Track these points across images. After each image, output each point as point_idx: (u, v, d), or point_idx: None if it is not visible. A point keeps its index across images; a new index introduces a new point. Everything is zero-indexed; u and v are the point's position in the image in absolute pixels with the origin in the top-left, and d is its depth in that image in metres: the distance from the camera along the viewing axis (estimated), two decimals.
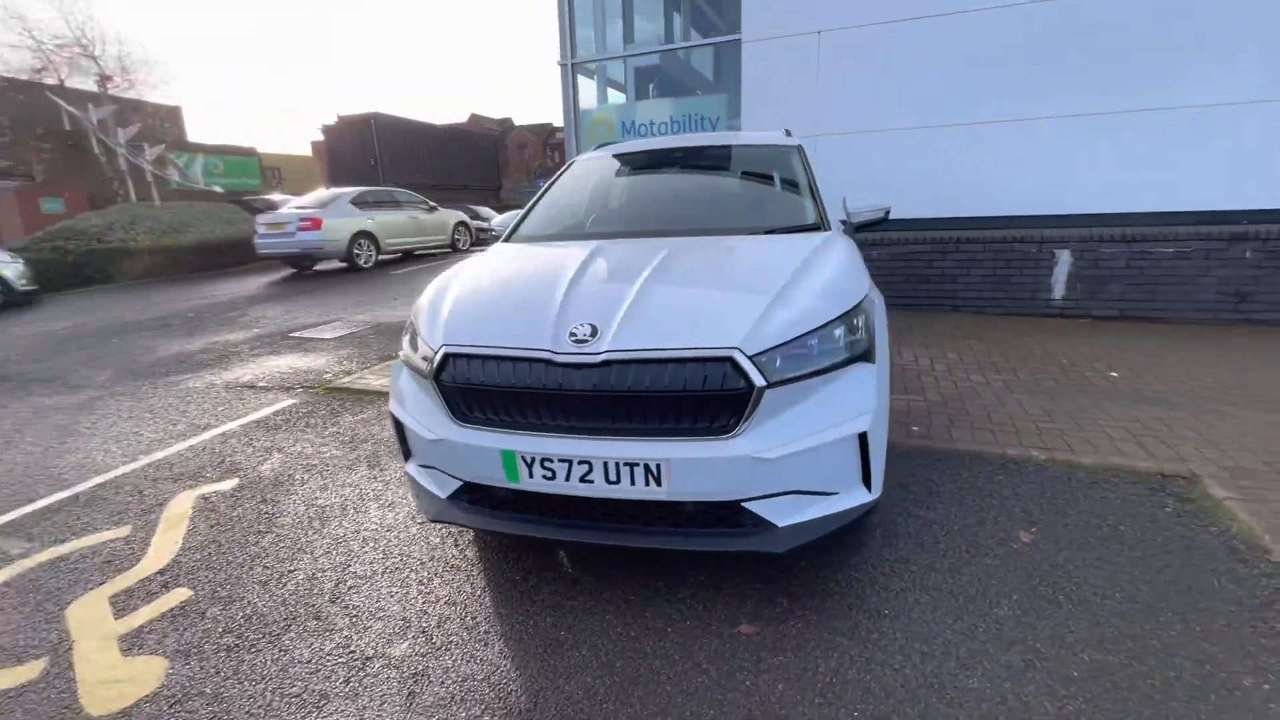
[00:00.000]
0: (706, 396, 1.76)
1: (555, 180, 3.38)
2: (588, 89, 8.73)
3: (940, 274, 6.13)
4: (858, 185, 6.30)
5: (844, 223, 2.97)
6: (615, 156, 3.49)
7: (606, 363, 1.79)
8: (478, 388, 1.91)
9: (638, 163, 3.43)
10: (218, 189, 16.32)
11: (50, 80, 14.46)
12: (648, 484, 1.80)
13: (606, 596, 2.10)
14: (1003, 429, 3.21)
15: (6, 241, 12.01)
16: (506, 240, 2.96)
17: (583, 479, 1.84)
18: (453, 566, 2.32)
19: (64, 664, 1.94)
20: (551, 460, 1.85)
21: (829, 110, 6.46)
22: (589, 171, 3.42)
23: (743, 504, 1.83)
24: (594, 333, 1.84)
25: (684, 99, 8.13)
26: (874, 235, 6.22)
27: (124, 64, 15.58)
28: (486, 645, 1.91)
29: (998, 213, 6.04)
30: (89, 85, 14.95)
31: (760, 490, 1.81)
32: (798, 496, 1.86)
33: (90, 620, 2.14)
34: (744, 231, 2.62)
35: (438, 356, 1.98)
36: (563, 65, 8.25)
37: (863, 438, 1.86)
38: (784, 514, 1.85)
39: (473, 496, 2.07)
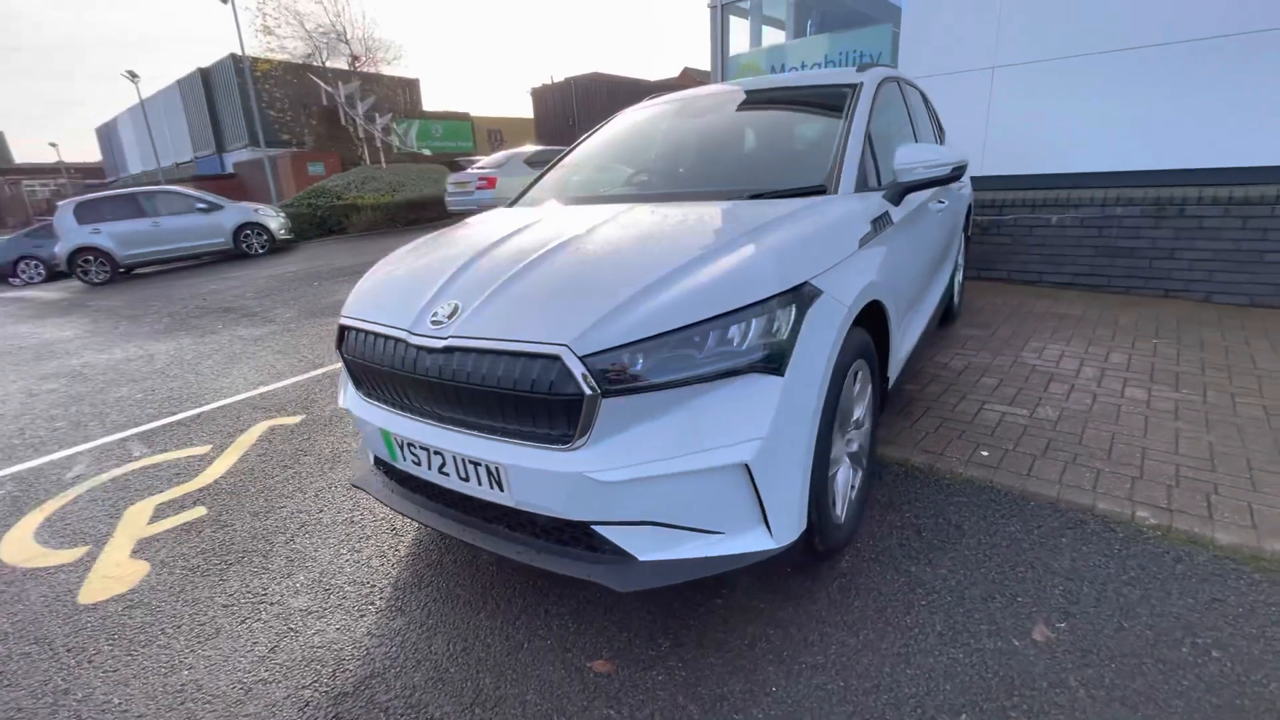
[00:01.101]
0: (540, 400, 1.49)
1: (585, 137, 3.14)
2: (740, 30, 8.04)
3: (1150, 246, 4.63)
4: (1038, 126, 5.01)
5: (885, 187, 2.30)
6: (657, 106, 3.13)
7: (450, 349, 1.61)
8: (361, 363, 1.87)
9: (669, 115, 3.03)
10: (426, 152, 18.80)
11: (315, 63, 17.80)
12: (492, 487, 1.62)
13: (496, 594, 1.98)
14: (1117, 472, 2.33)
15: (284, 198, 15.21)
16: (510, 205, 2.85)
17: (440, 470, 1.72)
18: (393, 531, 2.38)
19: (95, 554, 2.40)
20: (415, 446, 1.75)
21: (1006, 32, 5.12)
22: (620, 125, 3.12)
23: (593, 526, 1.56)
24: (454, 314, 1.67)
25: (840, 34, 7.07)
26: (1050, 194, 4.89)
27: (367, 45, 18.54)
28: (362, 618, 1.93)
29: (1253, 163, 4.31)
30: (342, 65, 18.07)
31: (611, 515, 1.52)
32: (665, 529, 1.53)
33: (133, 522, 2.62)
34: (727, 195, 2.17)
35: (338, 327, 1.98)
36: (712, 7, 7.69)
37: (749, 470, 1.45)
38: (646, 547, 1.54)
39: (384, 469, 2.07)
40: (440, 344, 1.62)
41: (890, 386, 2.34)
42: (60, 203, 10.92)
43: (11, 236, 13.84)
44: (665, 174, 2.65)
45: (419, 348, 1.67)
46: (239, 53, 16.41)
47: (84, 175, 43.82)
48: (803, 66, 7.25)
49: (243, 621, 1.96)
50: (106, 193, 11.52)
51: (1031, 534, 2.03)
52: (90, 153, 41.47)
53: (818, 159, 2.24)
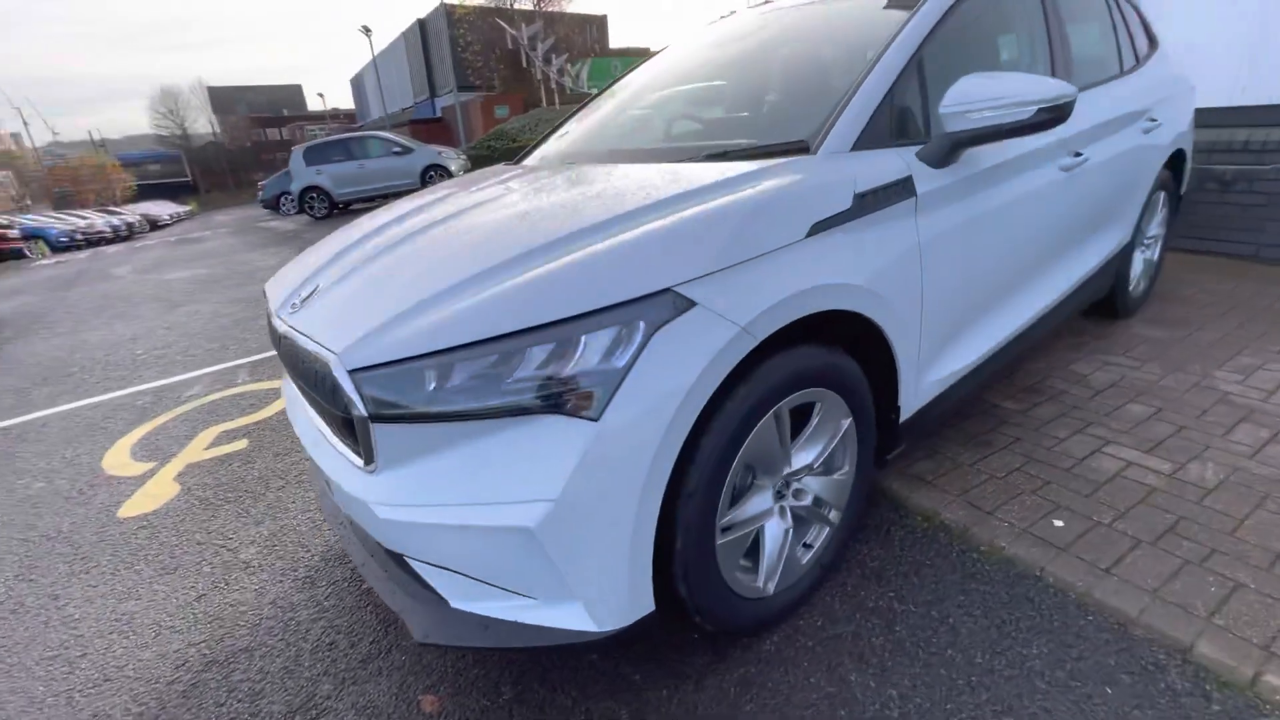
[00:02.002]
0: (336, 410, 1.29)
1: (629, 71, 2.70)
2: None
3: None
4: None
5: (918, 143, 1.60)
6: (705, 34, 2.57)
7: (284, 335, 1.47)
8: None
9: (704, 46, 2.46)
10: (593, 91, 18.72)
11: (505, 6, 18.57)
12: (330, 490, 1.48)
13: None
14: (1263, 597, 1.49)
15: (472, 141, 16.45)
16: (515, 162, 2.57)
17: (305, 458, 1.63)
18: None
19: (154, 472, 2.80)
20: (294, 426, 1.68)
21: None
22: (650, 63, 2.63)
23: (406, 558, 1.35)
24: (308, 298, 1.51)
25: None
26: None
27: None
28: (279, 584, 1.97)
29: None
30: (528, 6, 18.61)
31: (409, 551, 1.30)
32: (469, 580, 1.26)
33: (196, 446, 3.00)
34: (689, 155, 1.67)
35: None
36: None
37: (538, 537, 1.11)
38: (458, 593, 1.29)
39: None
40: (281, 328, 1.49)
41: (906, 420, 1.72)
42: (294, 148, 12.99)
43: (275, 176, 16.90)
44: (646, 125, 2.17)
45: (275, 331, 1.56)
46: (447, 1, 17.75)
47: (343, 120, 52.07)
48: None
49: (199, 563, 2.12)
50: (325, 138, 13.43)
51: (1062, 670, 1.38)
52: (348, 100, 48.97)
53: (820, 103, 1.62)
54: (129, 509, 2.51)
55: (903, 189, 1.50)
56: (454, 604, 1.28)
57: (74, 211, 25.97)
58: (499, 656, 1.58)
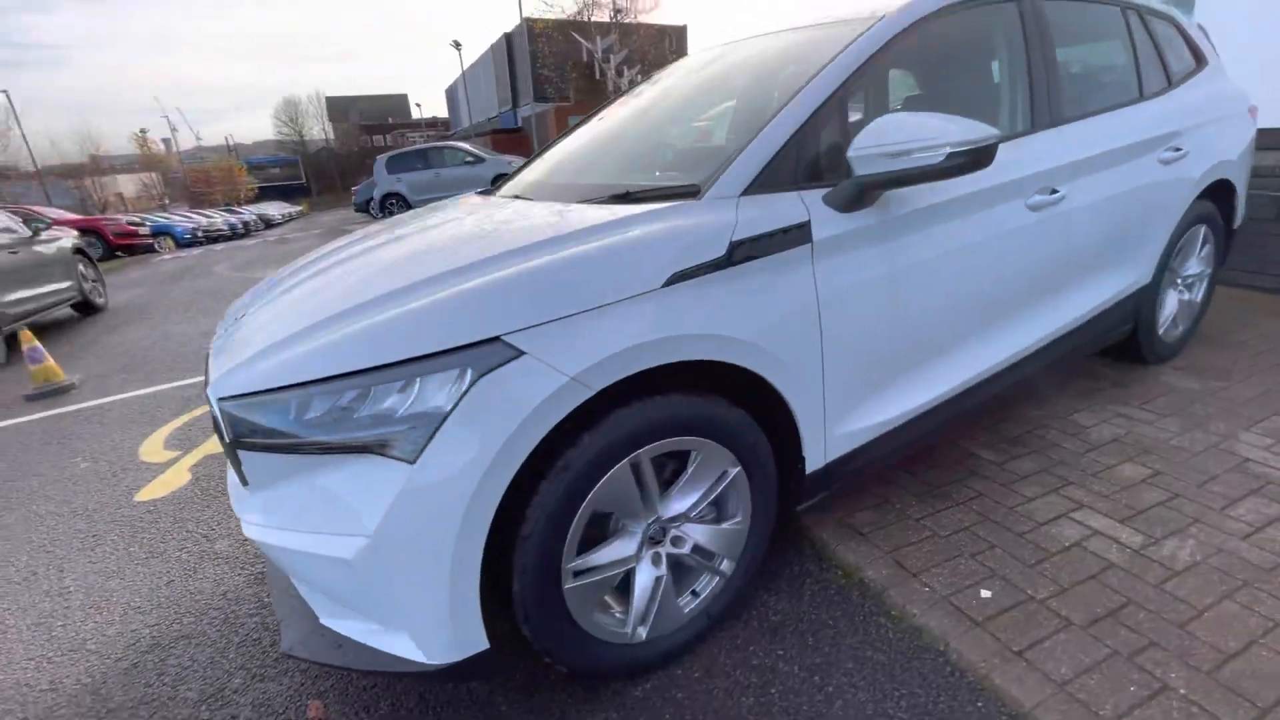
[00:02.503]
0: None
1: (607, 104, 2.75)
2: None
3: None
4: None
5: (832, 186, 1.53)
6: (678, 66, 2.56)
7: (208, 354, 1.61)
8: None
9: (672, 75, 2.44)
10: None
11: (583, 19, 19.04)
12: None
13: None
14: (1192, 699, 1.31)
15: None
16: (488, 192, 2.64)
17: None
18: None
19: (176, 461, 3.10)
20: None
21: None
22: (634, 92, 2.64)
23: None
24: (235, 324, 1.65)
25: None
26: None
27: None
28: (235, 575, 2.14)
29: None
30: (604, 18, 18.97)
31: (282, 567, 1.39)
32: (331, 599, 1.34)
33: (215, 439, 3.30)
34: (599, 196, 1.68)
35: None
36: None
37: (357, 569, 1.17)
38: (325, 610, 1.38)
39: None
40: (207, 349, 1.63)
41: (818, 469, 1.65)
42: (378, 157, 13.91)
43: (366, 182, 18.15)
44: (591, 160, 2.18)
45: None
46: (528, 16, 18.45)
47: (439, 129, 55.16)
48: None
49: (179, 550, 2.34)
50: (406, 149, 14.29)
51: None
52: (445, 110, 51.84)
53: (730, 145, 1.59)
54: (144, 494, 2.80)
55: (796, 235, 1.45)
56: (322, 619, 1.36)
57: (201, 210, 28.99)
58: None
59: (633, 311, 1.26)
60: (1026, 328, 2.04)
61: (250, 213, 28.49)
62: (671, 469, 1.48)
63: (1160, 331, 2.72)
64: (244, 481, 1.34)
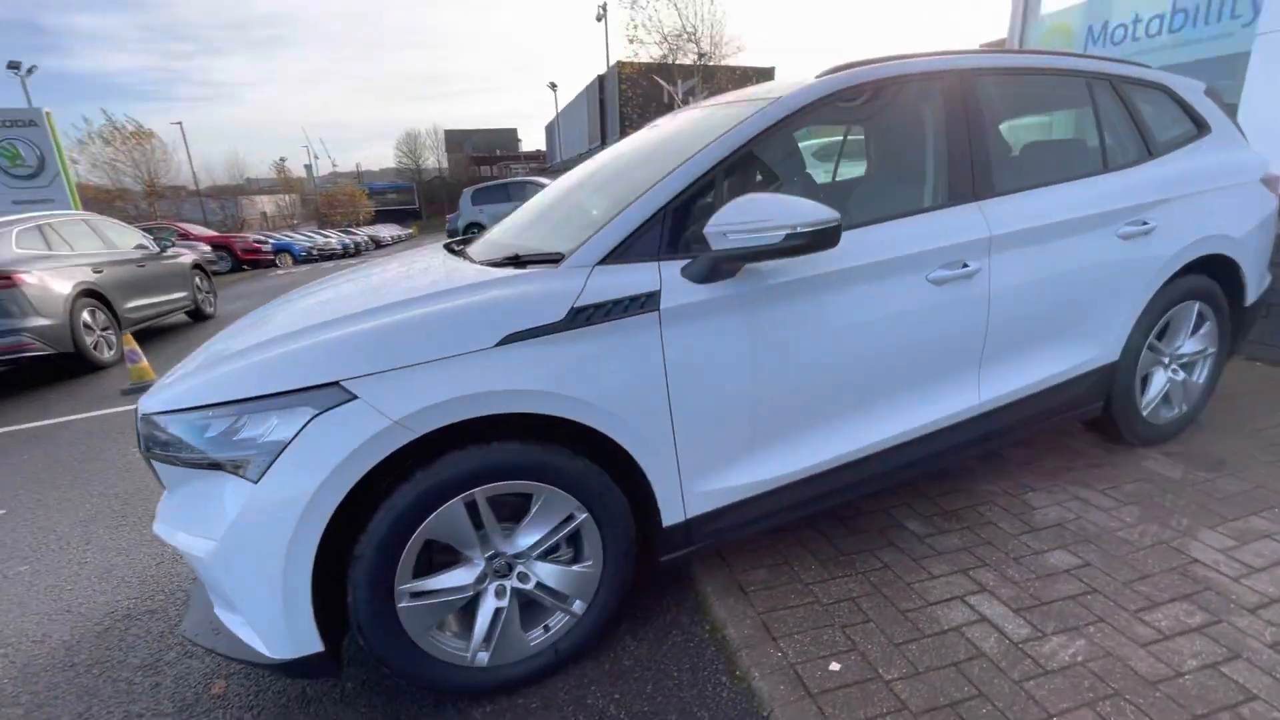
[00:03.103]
0: None
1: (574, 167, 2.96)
2: None
3: None
4: None
5: (692, 259, 1.63)
6: (646, 128, 2.73)
7: None
8: None
9: (629, 141, 2.60)
10: None
11: (668, 62, 19.73)
12: None
13: None
14: None
15: None
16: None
17: None
18: None
19: None
20: None
21: None
22: (591, 159, 2.82)
23: None
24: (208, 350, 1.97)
25: None
26: None
27: (714, 41, 19.53)
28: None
29: None
30: (689, 61, 19.55)
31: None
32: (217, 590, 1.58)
33: None
34: (496, 257, 1.86)
35: None
36: None
37: (207, 570, 1.41)
38: (217, 600, 1.62)
39: None
40: None
41: (677, 524, 1.72)
42: (465, 189, 15.00)
43: (456, 213, 19.54)
44: (529, 222, 2.37)
45: None
46: (612, 61, 19.38)
47: (540, 161, 58.39)
48: (1136, 23, 5.00)
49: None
50: (490, 182, 15.32)
51: None
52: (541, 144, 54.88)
53: (606, 216, 1.74)
54: None
55: (644, 303, 1.57)
56: (215, 610, 1.61)
57: (321, 230, 32.23)
58: None
59: (462, 366, 1.43)
60: (935, 402, 2.01)
61: (363, 234, 31.33)
62: (522, 509, 1.61)
63: (1145, 412, 2.53)
64: (162, 485, 1.62)
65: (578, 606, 1.70)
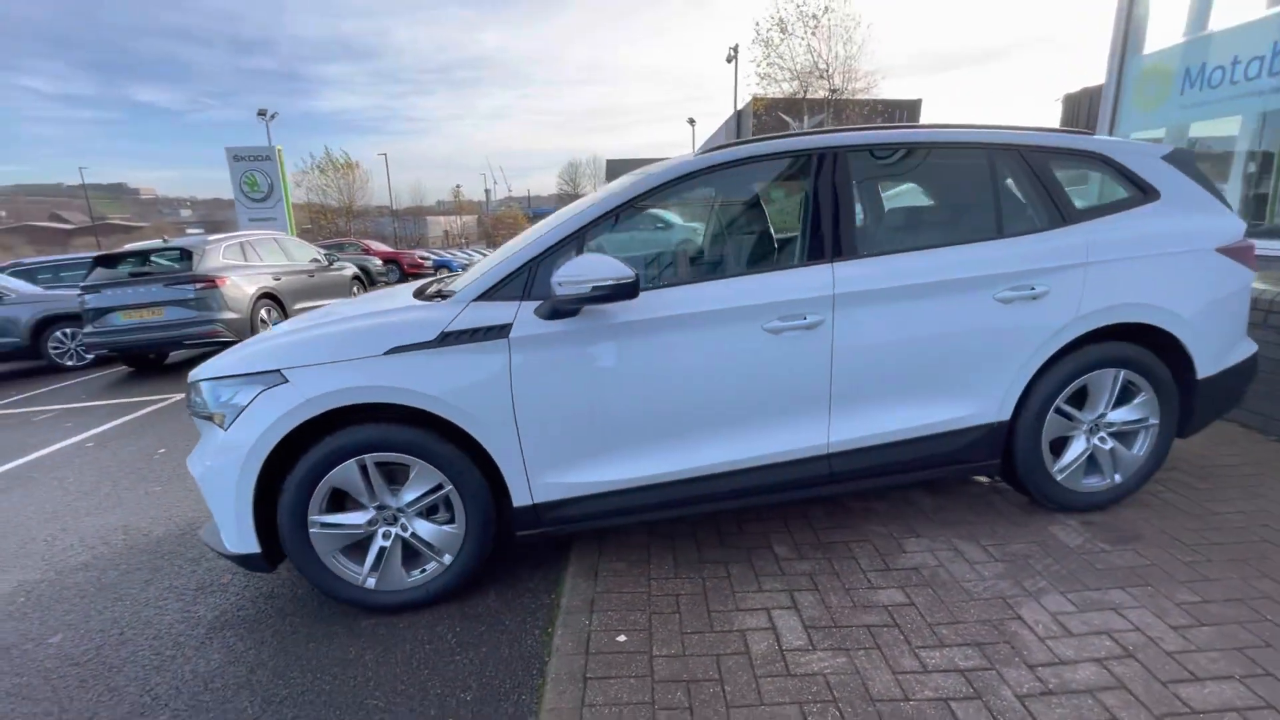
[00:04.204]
0: None
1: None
2: (1173, 8, 5.41)
3: None
4: None
5: (544, 301, 2.11)
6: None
7: None
8: None
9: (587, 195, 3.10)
10: None
11: (798, 96, 19.72)
12: None
13: None
14: None
15: None
16: None
17: None
18: None
19: None
20: None
21: None
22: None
23: None
24: None
25: None
26: None
27: (847, 77, 19.17)
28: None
29: None
30: (820, 95, 19.43)
31: None
32: None
33: None
34: (435, 293, 2.48)
35: None
36: None
37: (197, 480, 2.15)
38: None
39: None
40: None
41: (526, 506, 2.20)
42: None
43: None
44: (474, 267, 2.93)
45: None
46: (741, 98, 19.98)
47: None
48: (1234, 64, 4.53)
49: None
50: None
51: None
52: None
53: (501, 264, 2.27)
54: None
55: (496, 331, 2.08)
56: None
57: (484, 249, 36.15)
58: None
59: (358, 367, 2.05)
60: (777, 437, 2.27)
61: None
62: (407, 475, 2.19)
63: (1059, 477, 2.51)
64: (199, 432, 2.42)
65: (446, 559, 2.23)
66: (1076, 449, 2.52)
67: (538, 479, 2.18)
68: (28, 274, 10.37)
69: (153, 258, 7.37)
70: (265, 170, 18.20)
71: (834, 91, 19.26)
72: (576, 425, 2.17)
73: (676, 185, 2.30)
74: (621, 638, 2.01)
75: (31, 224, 72.46)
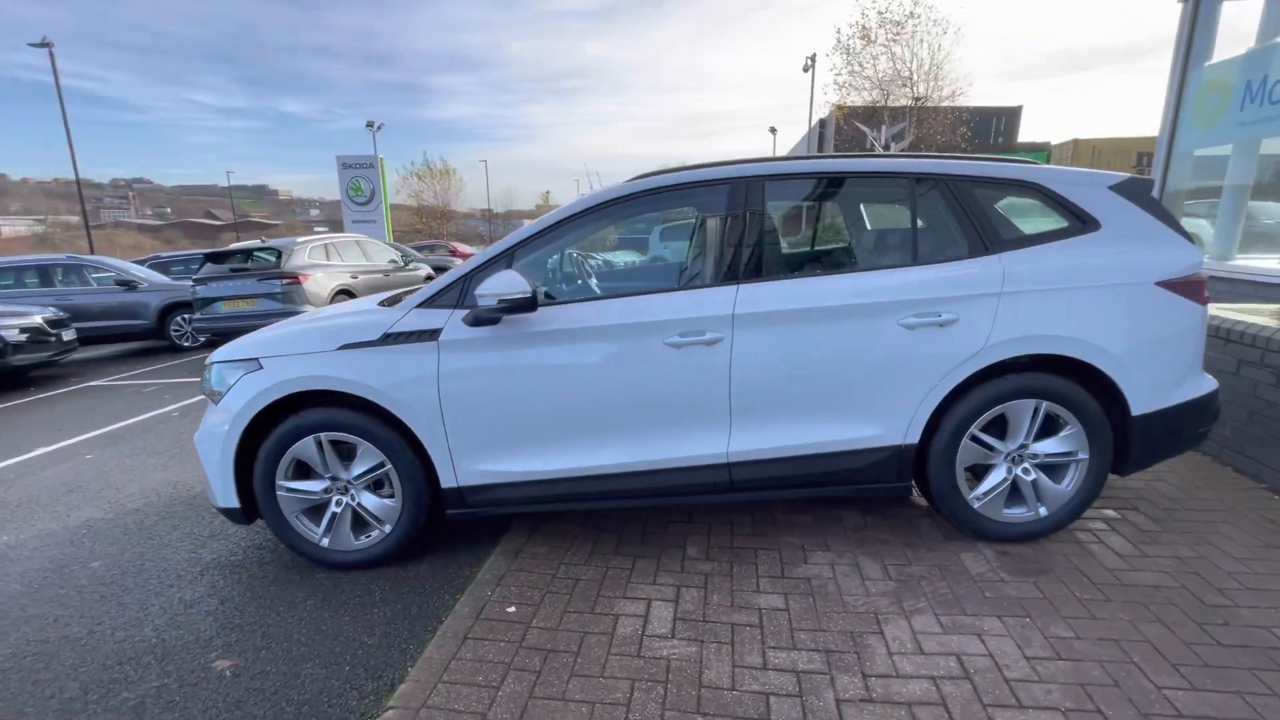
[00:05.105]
0: None
1: None
2: (1241, 17, 4.95)
3: None
4: None
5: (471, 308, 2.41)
6: None
7: None
8: None
9: None
10: None
11: (879, 104, 18.95)
12: None
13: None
14: None
15: None
16: None
17: None
18: None
19: None
20: None
21: None
22: None
23: None
24: None
25: None
26: None
27: (931, 84, 18.19)
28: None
29: None
30: (904, 103, 18.59)
31: None
32: None
33: None
34: (392, 298, 2.86)
35: None
36: None
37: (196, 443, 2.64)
38: None
39: None
40: None
41: (452, 488, 2.51)
42: (656, 227, 16.60)
43: None
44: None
45: None
46: (817, 108, 19.66)
47: None
48: None
49: None
50: (677, 222, 16.67)
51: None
52: None
53: (442, 277, 2.61)
54: None
55: (429, 335, 2.42)
56: None
57: None
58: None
59: (315, 359, 2.45)
60: (679, 444, 2.45)
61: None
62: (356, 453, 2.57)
63: (977, 505, 2.52)
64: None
65: (387, 529, 2.59)
66: (995, 478, 2.52)
67: (462, 465, 2.50)
68: (162, 266, 12.10)
69: (252, 255, 8.44)
70: (368, 176, 19.98)
71: (917, 100, 18.47)
72: (495, 420, 2.46)
73: (602, 210, 2.54)
74: (511, 609, 2.28)
75: (189, 220, 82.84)
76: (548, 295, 2.78)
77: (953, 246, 2.47)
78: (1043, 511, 2.53)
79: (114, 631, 2.34)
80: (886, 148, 16.62)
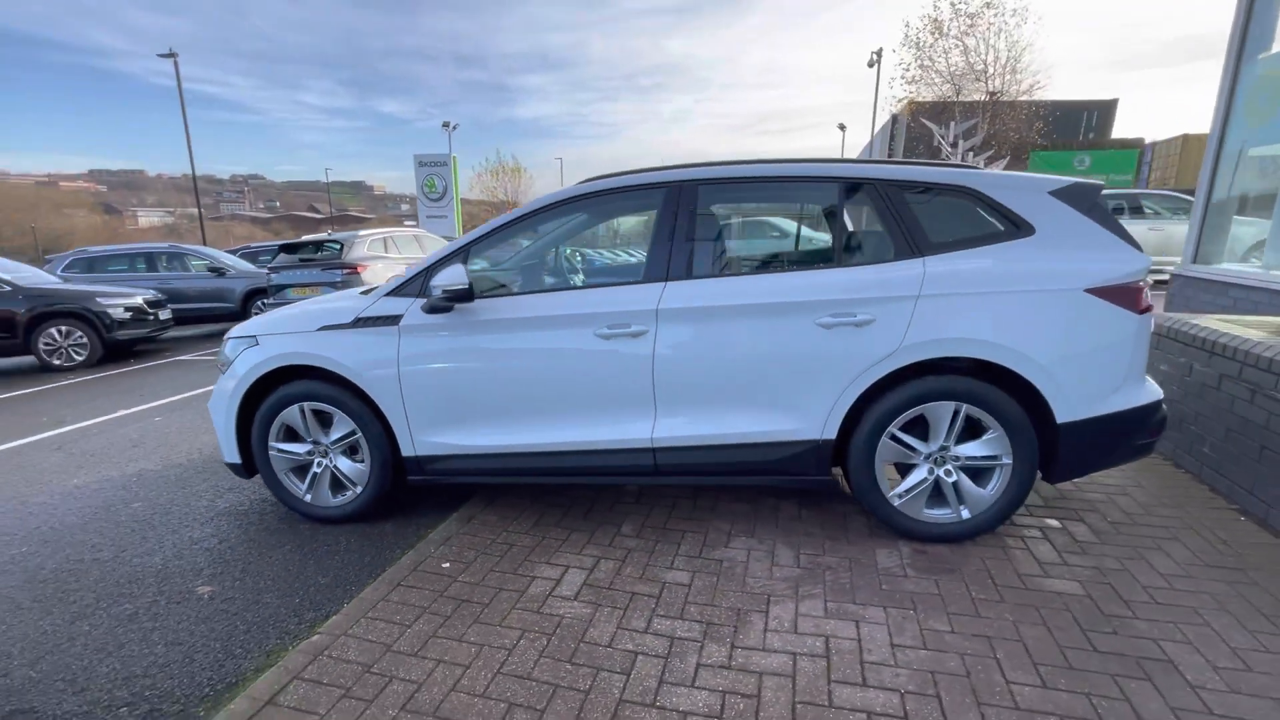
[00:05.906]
0: None
1: None
2: None
3: None
4: None
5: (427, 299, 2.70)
6: None
7: None
8: None
9: None
10: None
11: (951, 99, 17.87)
12: None
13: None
14: None
15: None
16: None
17: None
18: None
19: None
20: None
21: None
22: None
23: None
24: None
25: None
26: None
27: (1007, 79, 16.97)
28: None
29: None
30: (978, 97, 17.46)
31: None
32: None
33: None
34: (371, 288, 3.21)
35: None
36: None
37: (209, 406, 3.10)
38: None
39: None
40: None
41: (411, 456, 2.83)
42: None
43: None
44: None
45: None
46: (883, 103, 18.93)
47: None
48: None
49: None
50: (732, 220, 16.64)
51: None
52: None
53: (410, 269, 2.93)
54: None
55: (391, 320, 2.74)
56: None
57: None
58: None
59: (299, 338, 2.83)
60: (609, 428, 2.64)
61: None
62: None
63: (897, 503, 2.57)
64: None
65: (359, 490, 2.95)
66: (916, 477, 2.56)
67: (418, 437, 2.81)
68: (251, 256, 13.40)
69: (320, 247, 9.27)
70: (442, 174, 21.13)
71: (993, 94, 17.43)
72: (445, 399, 2.76)
73: (550, 211, 2.78)
74: (445, 565, 2.57)
75: (294, 213, 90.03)
76: (502, 287, 3.04)
77: (880, 249, 2.53)
78: (965, 514, 2.55)
79: (132, 558, 2.82)
80: (954, 145, 15.82)
